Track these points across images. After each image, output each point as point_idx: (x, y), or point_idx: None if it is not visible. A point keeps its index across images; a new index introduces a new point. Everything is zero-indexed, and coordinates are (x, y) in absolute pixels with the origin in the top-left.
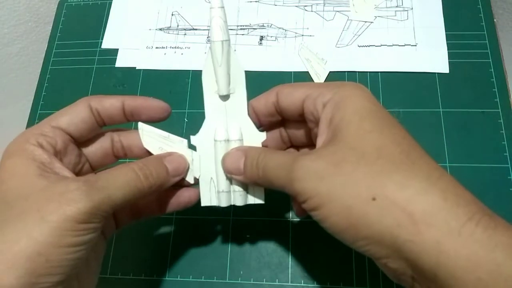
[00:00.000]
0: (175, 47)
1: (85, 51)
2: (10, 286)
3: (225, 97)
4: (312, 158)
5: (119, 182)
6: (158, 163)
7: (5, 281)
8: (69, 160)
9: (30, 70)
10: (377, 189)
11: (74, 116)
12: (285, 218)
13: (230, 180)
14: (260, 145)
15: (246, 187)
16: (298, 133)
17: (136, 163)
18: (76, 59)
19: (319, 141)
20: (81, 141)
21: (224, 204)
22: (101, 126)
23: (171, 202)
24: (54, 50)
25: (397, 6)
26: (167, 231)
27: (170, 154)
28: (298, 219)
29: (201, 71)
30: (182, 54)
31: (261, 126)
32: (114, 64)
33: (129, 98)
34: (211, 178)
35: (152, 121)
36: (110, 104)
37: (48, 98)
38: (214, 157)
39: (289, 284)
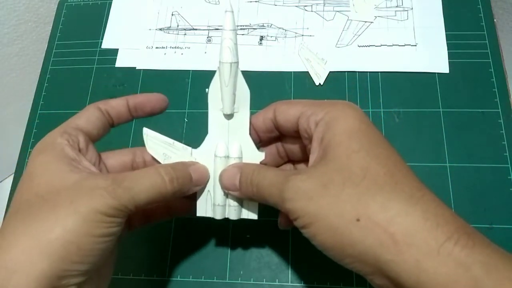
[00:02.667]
0: (175, 47)
1: (85, 51)
2: (42, 271)
3: (229, 116)
4: (302, 178)
5: (145, 185)
6: (184, 170)
7: (38, 266)
8: (90, 158)
9: (30, 70)
10: (361, 210)
11: (88, 117)
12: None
13: (226, 195)
14: (258, 163)
15: (241, 202)
16: (295, 148)
17: (164, 166)
18: (76, 59)
19: (311, 159)
20: (97, 140)
21: (218, 217)
22: (111, 125)
23: (180, 208)
24: (54, 50)
25: (397, 6)
26: (167, 231)
27: (194, 163)
28: None
29: (201, 71)
30: (182, 54)
31: (260, 141)
32: (114, 64)
33: (132, 96)
34: (208, 190)
35: (155, 113)
36: (116, 103)
37: (48, 98)
38: (213, 172)
39: (289, 284)
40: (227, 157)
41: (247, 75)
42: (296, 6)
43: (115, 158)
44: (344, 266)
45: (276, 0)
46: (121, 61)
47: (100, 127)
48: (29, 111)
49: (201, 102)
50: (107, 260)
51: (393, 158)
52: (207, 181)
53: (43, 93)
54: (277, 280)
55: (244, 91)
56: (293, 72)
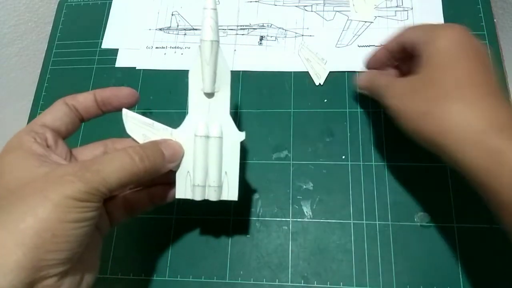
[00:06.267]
0: (175, 47)
1: (85, 51)
2: (17, 261)
3: (209, 95)
4: (400, 84)
5: (114, 165)
6: (155, 148)
7: (13, 257)
8: (60, 153)
9: (30, 70)
10: (430, 108)
11: (55, 113)
12: (285, 218)
13: (206, 175)
14: (239, 144)
15: (221, 183)
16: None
17: (132, 147)
18: (76, 59)
19: (415, 69)
20: (67, 136)
21: (198, 198)
22: (81, 120)
23: (161, 195)
24: (54, 50)
25: (397, 6)
26: (167, 231)
27: (166, 140)
28: (298, 219)
29: None
30: (182, 54)
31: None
32: (114, 64)
33: (100, 90)
34: (188, 171)
35: (123, 107)
36: (83, 98)
37: (48, 98)
38: (193, 151)
39: (289, 284)
40: (207, 136)
41: (247, 75)
42: (296, 6)
43: (86, 152)
44: (423, 146)
45: (276, 0)
46: (121, 61)
47: (68, 122)
48: (29, 111)
49: None
50: (91, 250)
51: (472, 70)
52: (182, 157)
53: (43, 93)
54: (277, 280)
55: (225, 71)
56: (293, 72)
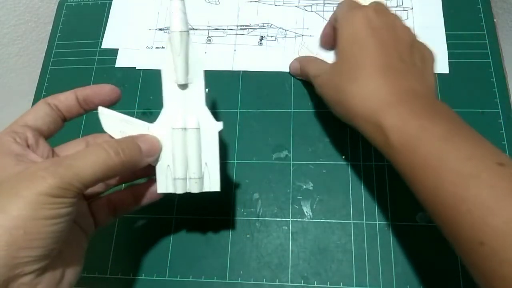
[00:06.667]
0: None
1: (85, 51)
2: None
3: (183, 86)
4: (325, 74)
5: (88, 159)
6: (131, 141)
7: None
8: (41, 153)
9: (30, 70)
10: (339, 96)
11: (36, 113)
12: (285, 218)
13: (186, 167)
14: (217, 134)
15: (202, 174)
16: None
17: (107, 141)
18: (76, 59)
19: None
20: (49, 135)
21: (180, 191)
22: (63, 120)
23: (146, 194)
24: (54, 50)
25: (397, 6)
26: (167, 231)
27: (143, 135)
28: (298, 219)
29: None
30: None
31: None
32: (114, 64)
33: (81, 88)
34: (168, 165)
35: (105, 104)
36: (64, 97)
37: None
38: (171, 145)
39: (289, 284)
40: (185, 128)
41: (247, 75)
42: (296, 6)
43: (69, 149)
44: (348, 123)
45: (276, 0)
46: (121, 61)
47: (50, 122)
48: None
49: None
50: (73, 248)
51: (377, 53)
52: (160, 151)
53: (43, 93)
54: (277, 280)
55: (197, 62)
56: None
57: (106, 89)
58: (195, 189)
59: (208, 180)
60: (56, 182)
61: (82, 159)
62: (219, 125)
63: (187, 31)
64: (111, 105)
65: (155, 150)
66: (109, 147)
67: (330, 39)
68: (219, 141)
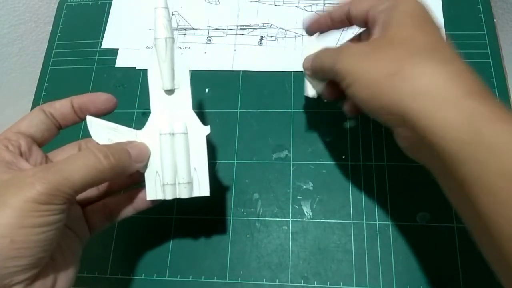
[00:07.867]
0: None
1: (85, 51)
2: None
3: (170, 92)
4: (354, 45)
5: (77, 164)
6: (120, 147)
7: None
8: (34, 160)
9: (30, 70)
10: (398, 67)
11: (30, 120)
12: (285, 218)
13: (175, 172)
14: (205, 138)
15: (191, 179)
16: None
17: (97, 146)
18: (76, 59)
19: (371, 36)
20: (43, 143)
21: (169, 196)
22: (58, 128)
23: (143, 198)
24: (54, 50)
25: None
26: (167, 231)
27: (131, 142)
28: (298, 219)
29: (201, 71)
30: (182, 54)
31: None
32: (114, 64)
33: (77, 96)
34: (157, 171)
35: (100, 113)
36: (60, 105)
37: (48, 98)
38: (159, 151)
39: (289, 284)
40: (172, 134)
41: (247, 75)
42: (296, 6)
43: (63, 154)
44: (377, 119)
45: (276, 0)
46: (121, 61)
47: (45, 129)
48: (29, 111)
49: (201, 102)
50: (66, 255)
51: (437, 34)
52: (148, 157)
53: (43, 93)
54: (277, 280)
55: (183, 67)
56: (293, 72)
57: (102, 98)
58: (184, 194)
59: (198, 185)
60: (44, 187)
61: (71, 164)
62: (207, 129)
63: (172, 38)
64: (107, 113)
65: (144, 156)
66: (98, 151)
67: (325, 25)
68: (208, 144)
